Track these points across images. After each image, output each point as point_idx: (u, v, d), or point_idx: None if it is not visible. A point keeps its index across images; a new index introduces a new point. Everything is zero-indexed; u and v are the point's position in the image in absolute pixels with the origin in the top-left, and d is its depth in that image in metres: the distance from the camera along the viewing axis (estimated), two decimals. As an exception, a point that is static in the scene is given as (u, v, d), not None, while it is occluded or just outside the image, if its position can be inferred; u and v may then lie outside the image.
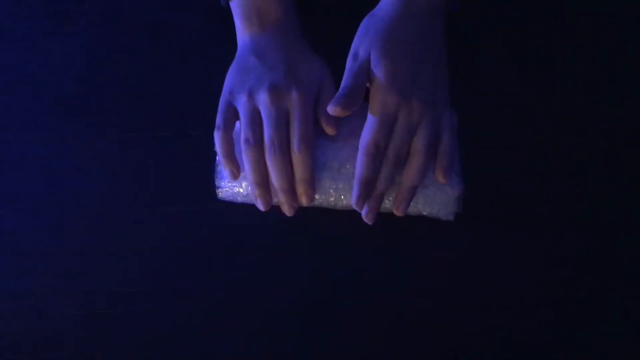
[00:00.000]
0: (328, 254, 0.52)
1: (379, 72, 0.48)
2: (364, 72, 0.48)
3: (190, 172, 0.54)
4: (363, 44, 0.49)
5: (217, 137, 0.48)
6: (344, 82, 0.48)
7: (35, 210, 0.54)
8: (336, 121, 0.49)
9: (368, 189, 0.47)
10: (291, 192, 0.48)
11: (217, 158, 0.49)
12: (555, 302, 0.51)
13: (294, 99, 0.48)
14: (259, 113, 0.48)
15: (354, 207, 0.48)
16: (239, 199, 0.51)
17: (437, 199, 0.49)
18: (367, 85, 0.48)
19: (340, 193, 0.49)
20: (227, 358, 0.51)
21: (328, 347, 0.51)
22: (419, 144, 0.48)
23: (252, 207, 0.50)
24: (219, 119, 0.49)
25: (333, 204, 0.50)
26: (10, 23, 0.60)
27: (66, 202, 0.54)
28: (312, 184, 0.48)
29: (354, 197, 0.47)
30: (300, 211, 0.50)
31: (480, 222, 0.52)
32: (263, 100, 0.48)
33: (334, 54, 0.52)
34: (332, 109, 0.47)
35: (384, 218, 0.50)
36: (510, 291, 0.51)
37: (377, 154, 0.47)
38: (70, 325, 0.52)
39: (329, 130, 0.49)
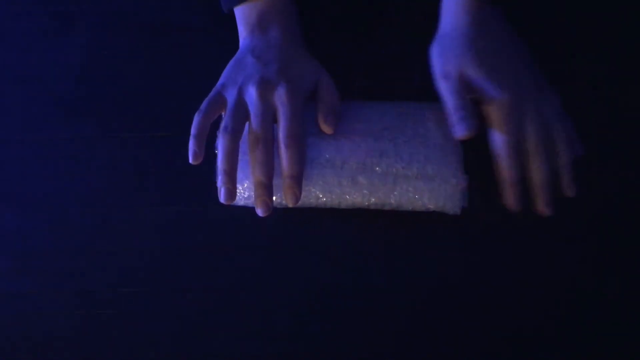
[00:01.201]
0: (328, 254, 0.52)
1: (488, 87, 0.49)
2: (464, 88, 0.49)
3: (190, 172, 0.54)
4: (449, 63, 0.50)
5: (195, 119, 0.48)
6: (452, 102, 0.49)
7: (35, 210, 0.54)
8: (334, 120, 0.49)
9: (517, 189, 0.49)
10: (268, 187, 0.47)
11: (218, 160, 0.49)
12: (555, 302, 0.51)
13: (282, 95, 0.48)
14: (245, 106, 0.48)
15: (513, 208, 0.50)
16: (241, 202, 0.51)
17: (442, 193, 0.49)
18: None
19: (344, 190, 0.49)
20: (227, 358, 0.51)
21: (328, 347, 0.51)
22: (554, 128, 0.49)
23: (251, 206, 0.50)
24: (203, 104, 0.49)
25: (337, 202, 0.50)
26: (10, 23, 0.60)
27: (66, 202, 0.54)
28: (299, 182, 0.48)
29: (509, 201, 0.49)
30: (302, 211, 0.51)
31: (480, 222, 0.52)
32: (251, 94, 0.48)
33: (332, 56, 0.52)
34: (463, 134, 0.48)
35: (384, 218, 0.51)
36: (510, 291, 0.51)
37: (517, 156, 0.49)
38: (70, 325, 0.52)
39: (327, 129, 0.49)
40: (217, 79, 0.51)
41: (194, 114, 0.50)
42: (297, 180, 0.47)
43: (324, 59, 0.52)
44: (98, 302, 0.52)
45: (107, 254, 0.53)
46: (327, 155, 0.49)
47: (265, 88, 0.48)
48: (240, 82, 0.49)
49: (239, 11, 0.52)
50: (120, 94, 0.57)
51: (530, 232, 0.52)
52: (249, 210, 0.51)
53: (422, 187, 0.49)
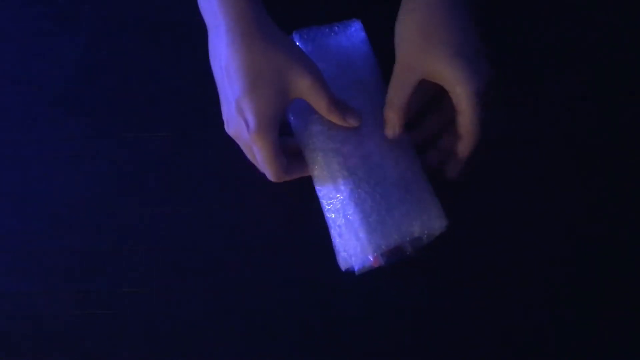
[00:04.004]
0: (328, 254, 0.52)
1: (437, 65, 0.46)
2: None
3: (190, 172, 0.54)
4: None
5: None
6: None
7: (35, 210, 0.54)
8: (338, 114, 0.47)
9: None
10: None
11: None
12: (555, 302, 0.51)
13: (253, 136, 0.44)
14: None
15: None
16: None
17: (352, 245, 0.48)
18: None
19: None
20: (227, 358, 0.51)
21: (328, 347, 0.51)
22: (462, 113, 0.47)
23: (251, 206, 0.50)
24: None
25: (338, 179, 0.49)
26: (10, 23, 0.60)
27: (66, 202, 0.54)
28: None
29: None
30: (303, 211, 0.51)
31: (480, 222, 0.52)
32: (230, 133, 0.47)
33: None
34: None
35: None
36: (510, 291, 0.51)
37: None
38: (70, 325, 0.52)
39: (353, 122, 0.48)
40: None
41: (194, 114, 0.50)
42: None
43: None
44: (98, 302, 0.52)
45: (107, 254, 0.53)
46: (331, 144, 0.48)
47: (236, 128, 0.45)
48: (223, 113, 0.47)
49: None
50: (120, 94, 0.57)
51: (530, 232, 0.52)
52: (248, 210, 0.51)
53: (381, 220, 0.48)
